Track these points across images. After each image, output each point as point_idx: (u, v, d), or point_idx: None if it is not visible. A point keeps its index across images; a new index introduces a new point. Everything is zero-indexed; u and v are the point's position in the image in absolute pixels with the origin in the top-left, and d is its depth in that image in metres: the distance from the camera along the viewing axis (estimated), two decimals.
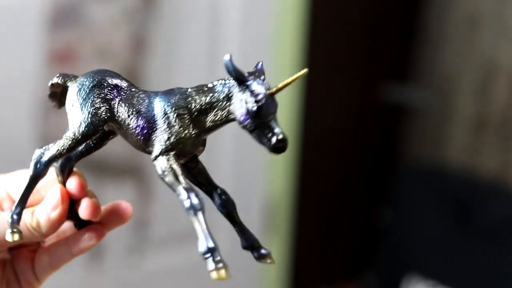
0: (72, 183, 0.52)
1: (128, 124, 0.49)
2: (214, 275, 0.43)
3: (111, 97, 0.49)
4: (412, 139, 2.03)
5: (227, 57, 0.45)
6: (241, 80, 0.46)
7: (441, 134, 1.94)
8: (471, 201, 1.70)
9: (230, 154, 1.72)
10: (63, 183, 0.53)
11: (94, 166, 1.47)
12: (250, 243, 0.51)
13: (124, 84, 0.50)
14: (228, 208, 0.50)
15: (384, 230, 1.91)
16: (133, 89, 0.50)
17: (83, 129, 0.49)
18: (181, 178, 0.46)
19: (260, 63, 0.48)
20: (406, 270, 1.78)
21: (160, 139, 0.47)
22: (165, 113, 0.47)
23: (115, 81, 0.50)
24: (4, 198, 0.54)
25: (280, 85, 0.45)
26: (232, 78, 0.46)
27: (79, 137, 0.49)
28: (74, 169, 0.53)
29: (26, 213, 0.51)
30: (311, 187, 1.94)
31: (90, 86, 0.50)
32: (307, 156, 1.89)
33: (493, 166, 1.81)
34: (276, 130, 0.45)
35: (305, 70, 0.45)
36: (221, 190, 0.50)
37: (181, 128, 0.47)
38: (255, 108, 0.45)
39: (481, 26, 1.83)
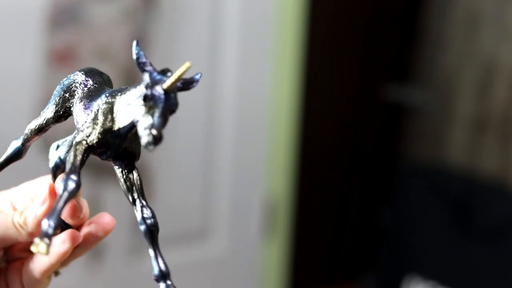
0: (58, 182, 0.52)
1: (76, 116, 0.50)
2: (33, 248, 0.43)
3: (78, 90, 0.51)
4: (412, 139, 2.03)
5: (134, 43, 0.46)
6: (141, 68, 0.46)
7: (441, 134, 1.94)
8: (471, 201, 1.70)
9: (230, 154, 1.72)
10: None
11: (94, 166, 1.47)
12: (162, 274, 0.50)
13: (96, 80, 0.51)
14: (154, 233, 0.50)
15: (384, 230, 1.91)
16: (96, 86, 0.51)
17: (46, 114, 0.52)
18: (75, 162, 0.46)
19: (199, 75, 0.48)
20: (406, 270, 1.78)
21: (84, 128, 0.48)
22: (97, 105, 0.48)
23: (88, 78, 0.52)
24: (7, 208, 0.54)
25: (169, 81, 0.44)
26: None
27: (42, 120, 0.52)
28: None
29: (16, 213, 0.52)
30: (311, 187, 1.94)
31: (68, 79, 0.52)
32: (307, 156, 1.89)
33: (493, 166, 1.81)
34: (155, 124, 0.43)
35: (188, 64, 0.44)
36: (149, 212, 0.50)
37: (102, 121, 0.47)
38: (142, 96, 0.44)
39: (481, 26, 1.82)
